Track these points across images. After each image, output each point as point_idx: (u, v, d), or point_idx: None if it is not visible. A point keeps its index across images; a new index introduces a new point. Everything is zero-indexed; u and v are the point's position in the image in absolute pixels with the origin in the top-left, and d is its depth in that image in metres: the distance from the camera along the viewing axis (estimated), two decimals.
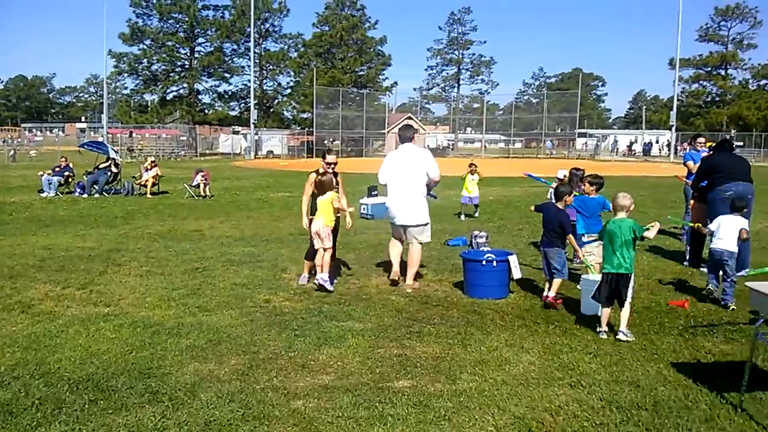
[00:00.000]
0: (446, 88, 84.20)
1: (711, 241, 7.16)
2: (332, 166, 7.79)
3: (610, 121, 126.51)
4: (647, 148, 67.17)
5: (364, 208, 14.06)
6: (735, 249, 6.89)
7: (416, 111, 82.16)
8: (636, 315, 6.40)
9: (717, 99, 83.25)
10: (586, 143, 70.30)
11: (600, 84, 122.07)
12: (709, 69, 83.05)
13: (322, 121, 58.68)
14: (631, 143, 72.27)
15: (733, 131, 68.68)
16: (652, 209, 15.09)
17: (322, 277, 7.32)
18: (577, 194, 7.99)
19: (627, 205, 5.89)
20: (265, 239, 11.03)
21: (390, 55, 70.34)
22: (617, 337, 5.67)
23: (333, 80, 62.85)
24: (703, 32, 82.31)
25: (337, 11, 66.97)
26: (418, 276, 7.92)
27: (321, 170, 7.75)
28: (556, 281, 6.80)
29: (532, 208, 7.56)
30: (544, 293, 6.89)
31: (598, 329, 5.85)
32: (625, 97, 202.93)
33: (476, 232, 10.06)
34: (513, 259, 7.26)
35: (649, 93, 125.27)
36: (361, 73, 68.45)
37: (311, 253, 7.67)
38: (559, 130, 71.31)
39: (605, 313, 5.86)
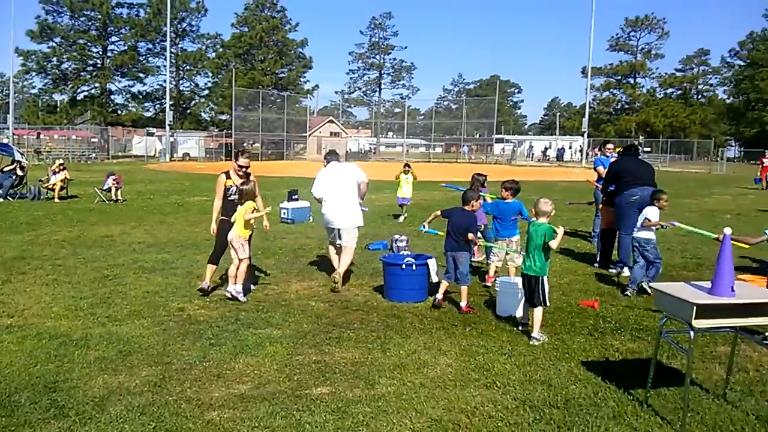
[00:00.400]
0: (368, 92, 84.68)
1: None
2: (245, 168, 7.58)
3: (526, 127, 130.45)
4: (560, 154, 69.52)
5: (284, 213, 13.90)
6: (651, 236, 7.64)
7: (338, 114, 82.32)
8: (549, 315, 6.59)
9: (626, 106, 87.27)
10: (503, 149, 72.09)
11: (516, 91, 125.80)
12: (620, 77, 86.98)
13: (242, 123, 57.70)
14: (546, 149, 74.64)
15: (641, 137, 72.14)
16: (564, 213, 15.61)
17: (235, 288, 7.09)
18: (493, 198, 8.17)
19: (548, 211, 6.04)
20: (179, 245, 10.72)
21: (311, 57, 70.02)
22: (530, 341, 5.79)
23: (253, 82, 61.95)
24: (614, 42, 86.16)
25: (256, 12, 66.05)
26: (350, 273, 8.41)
27: (231, 171, 7.56)
28: (464, 289, 6.83)
29: (438, 213, 7.35)
30: (437, 297, 6.90)
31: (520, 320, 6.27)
32: (540, 104, 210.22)
33: (397, 236, 10.12)
34: (432, 263, 7.35)
35: (562, 100, 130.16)
36: (282, 75, 67.79)
37: (215, 257, 7.51)
38: (477, 136, 72.88)
39: (526, 309, 6.18)
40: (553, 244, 5.82)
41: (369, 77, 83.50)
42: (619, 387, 4.71)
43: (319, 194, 8.17)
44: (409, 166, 15.23)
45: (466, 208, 7.03)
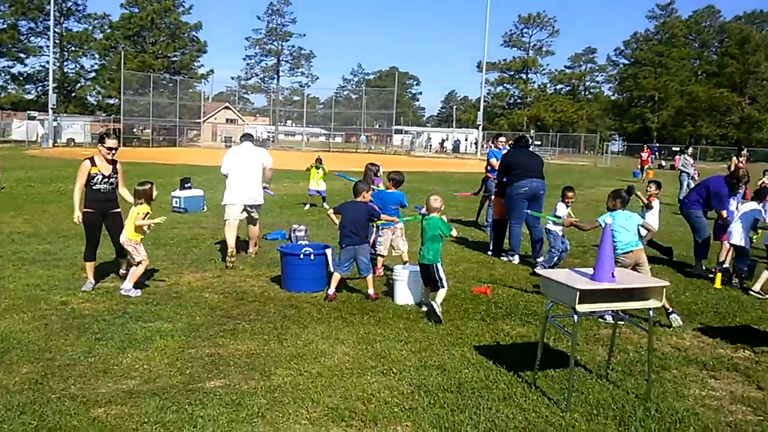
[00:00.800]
0: (266, 79, 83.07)
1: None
2: (113, 151, 7.02)
3: (425, 119, 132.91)
4: (456, 146, 71.29)
5: (176, 201, 13.42)
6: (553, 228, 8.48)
7: (234, 101, 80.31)
8: (444, 302, 6.74)
9: (519, 101, 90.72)
10: (402, 140, 73.00)
11: (415, 83, 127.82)
12: (513, 73, 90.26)
13: (131, 108, 55.22)
14: (443, 140, 76.31)
15: (532, 131, 75.14)
16: (460, 202, 16.00)
17: (125, 287, 6.74)
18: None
19: (438, 207, 6.52)
20: (63, 235, 10.11)
21: (206, 41, 68.12)
22: (433, 305, 6.22)
23: (143, 65, 59.46)
24: (508, 38, 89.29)
25: None
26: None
27: (97, 158, 6.95)
28: (370, 277, 6.91)
29: (330, 211, 7.21)
30: (331, 291, 6.79)
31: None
32: (438, 96, 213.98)
33: (295, 226, 10.02)
34: (330, 253, 7.33)
35: (459, 94, 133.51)
36: (175, 59, 65.49)
37: (91, 253, 6.98)
38: (377, 126, 73.39)
39: (426, 292, 6.56)
40: (454, 232, 6.60)
41: (267, 64, 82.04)
42: (509, 370, 4.88)
43: (225, 170, 8.73)
44: (320, 161, 15.14)
45: (358, 199, 7.03)
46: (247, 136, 9.28)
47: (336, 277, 6.85)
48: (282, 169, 14.02)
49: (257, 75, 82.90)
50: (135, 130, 56.02)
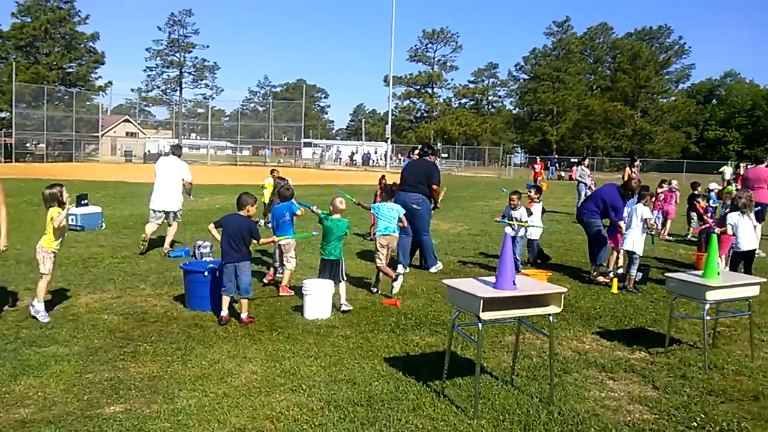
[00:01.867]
0: (168, 90, 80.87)
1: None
2: None
3: (334, 132, 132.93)
4: (367, 158, 71.74)
5: (72, 219, 12.76)
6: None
7: (135, 114, 77.50)
8: (354, 315, 6.76)
9: (425, 115, 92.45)
10: (314, 153, 72.70)
11: (323, 96, 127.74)
12: (419, 87, 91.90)
13: (24, 122, 52.25)
14: (353, 153, 76.63)
15: (439, 144, 76.67)
16: (369, 213, 16.08)
17: (35, 307, 6.36)
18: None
19: (342, 209, 7.20)
20: None
21: (103, 52, 65.51)
22: (341, 309, 6.83)
23: (37, 77, 56.47)
24: (414, 53, 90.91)
25: (41, 1, 60.39)
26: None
27: None
28: (245, 301, 6.54)
29: (211, 226, 6.88)
30: (224, 313, 6.46)
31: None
32: (346, 109, 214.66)
33: (200, 242, 9.73)
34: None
35: (367, 107, 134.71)
36: (70, 70, 62.64)
37: None
38: (285, 139, 72.76)
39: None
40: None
41: (169, 75, 79.96)
42: (418, 380, 4.93)
43: (156, 177, 10.26)
44: (276, 171, 14.66)
45: (241, 212, 6.69)
46: (176, 148, 10.76)
47: (225, 299, 6.51)
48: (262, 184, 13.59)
49: (159, 87, 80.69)
50: (28, 144, 53.06)
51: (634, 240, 8.48)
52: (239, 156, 69.01)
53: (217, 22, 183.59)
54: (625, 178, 15.02)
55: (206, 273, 6.87)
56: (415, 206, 9.00)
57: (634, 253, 8.46)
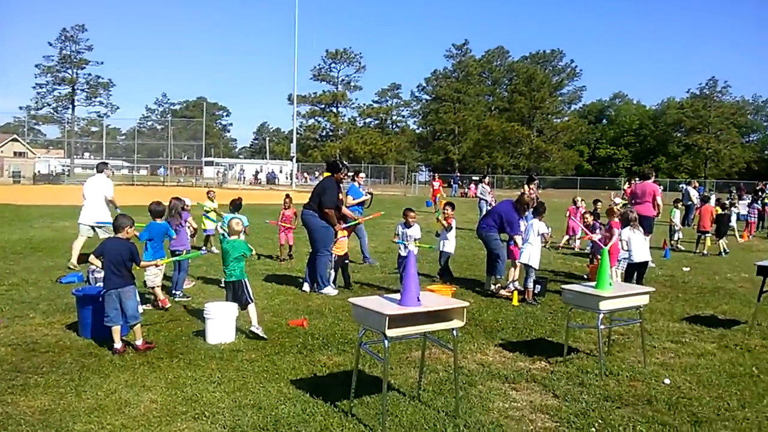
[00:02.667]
0: (59, 108, 76.73)
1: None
2: None
3: (237, 150, 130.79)
4: (271, 177, 70.94)
5: None
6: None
7: (23, 132, 73.36)
8: (259, 340, 6.61)
9: (331, 134, 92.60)
10: (218, 171, 71.11)
11: (225, 114, 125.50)
12: (323, 106, 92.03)
13: None
14: (257, 172, 75.61)
15: (345, 163, 76.75)
16: (276, 234, 15.87)
17: None
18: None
19: (239, 230, 7.16)
20: None
21: None
22: (252, 330, 6.64)
23: None
24: (317, 72, 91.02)
25: None
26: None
27: None
28: (138, 327, 6.21)
29: (92, 257, 6.49)
30: (117, 345, 6.04)
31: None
32: (250, 128, 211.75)
33: (93, 267, 9.20)
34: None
35: (272, 125, 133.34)
36: None
37: None
38: (185, 158, 70.89)
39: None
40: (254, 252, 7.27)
41: (60, 93, 75.84)
42: (326, 401, 4.87)
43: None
44: (214, 192, 14.01)
45: (120, 235, 6.42)
46: (100, 165, 11.44)
47: (115, 331, 6.13)
48: (78, 205, 12.76)
49: (49, 105, 76.25)
50: None
51: (531, 254, 8.79)
52: (136, 176, 66.52)
53: (112, 38, 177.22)
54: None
55: (100, 299, 6.52)
56: (306, 224, 9.20)
57: (530, 266, 8.77)
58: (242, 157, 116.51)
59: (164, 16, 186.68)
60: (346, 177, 9.59)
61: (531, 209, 9.57)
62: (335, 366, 5.81)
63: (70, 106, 76.32)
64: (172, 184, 58.81)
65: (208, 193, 13.86)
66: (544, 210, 9.25)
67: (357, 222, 9.48)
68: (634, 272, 9.11)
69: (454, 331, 4.60)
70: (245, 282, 6.94)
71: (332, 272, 9.28)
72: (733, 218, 18.17)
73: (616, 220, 9.72)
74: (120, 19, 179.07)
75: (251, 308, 6.81)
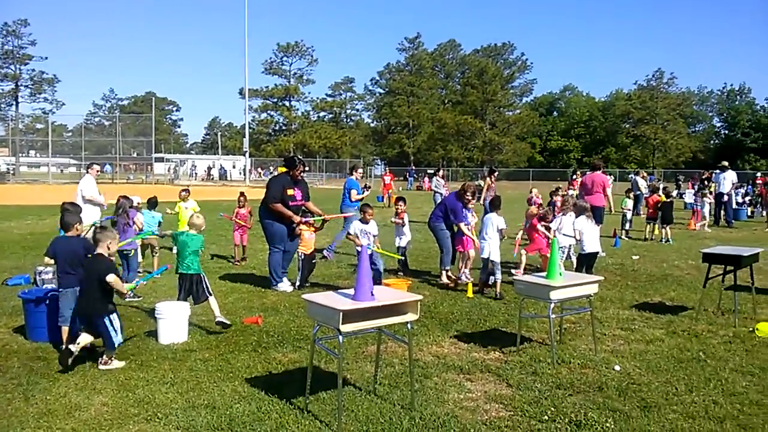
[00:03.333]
0: (2, 105, 74.20)
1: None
2: None
3: (188, 146, 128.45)
4: (223, 173, 70.00)
5: None
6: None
7: None
8: (213, 336, 6.54)
9: (284, 128, 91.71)
10: (169, 168, 69.72)
11: (175, 109, 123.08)
12: (276, 100, 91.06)
13: None
14: (209, 168, 74.51)
15: (300, 157, 76.24)
16: (229, 231, 15.67)
17: None
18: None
19: (199, 224, 7.17)
20: None
21: None
22: (218, 321, 6.73)
23: None
24: (269, 66, 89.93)
25: None
26: None
27: None
28: (86, 338, 5.69)
29: (46, 259, 6.38)
30: (72, 347, 5.54)
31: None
32: (201, 123, 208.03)
33: (41, 268, 8.99)
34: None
35: (223, 120, 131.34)
36: None
37: None
38: (135, 155, 69.34)
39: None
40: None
41: (2, 89, 73.37)
42: (281, 398, 4.84)
43: None
44: (187, 192, 13.50)
45: (70, 234, 6.31)
46: (87, 167, 12.15)
47: (65, 330, 6.00)
48: (24, 205, 12.43)
49: None
50: None
51: (491, 249, 8.84)
52: (84, 173, 64.70)
53: (56, 32, 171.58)
54: (485, 188, 15.94)
55: (48, 301, 6.36)
56: (260, 221, 9.22)
57: (493, 260, 8.81)
58: (194, 152, 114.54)
59: (110, 9, 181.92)
60: (302, 174, 9.33)
61: (476, 199, 9.68)
62: (290, 363, 5.78)
63: (14, 102, 73.89)
64: (121, 182, 57.53)
65: (180, 192, 13.41)
66: (500, 203, 9.33)
67: (323, 218, 9.22)
68: (585, 262, 9.30)
69: (409, 325, 4.62)
70: (203, 275, 6.98)
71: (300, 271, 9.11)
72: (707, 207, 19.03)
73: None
74: (64, 12, 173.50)
75: (212, 300, 6.89)
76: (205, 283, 6.94)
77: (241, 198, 12.37)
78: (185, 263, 6.95)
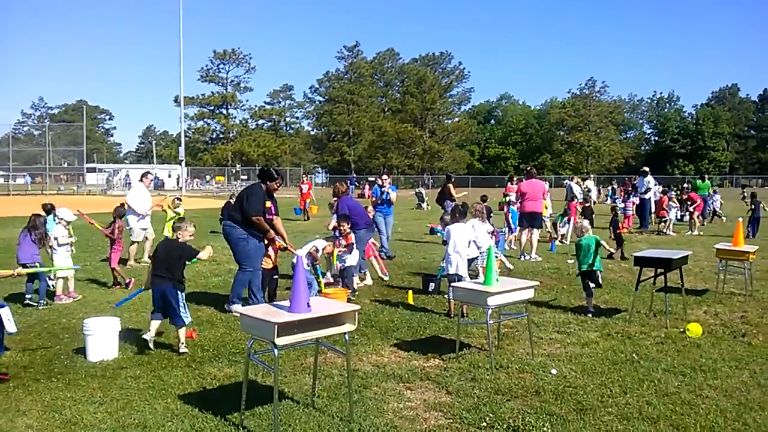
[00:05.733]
0: None
1: None
2: None
3: (122, 155, 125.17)
4: (158, 183, 68.30)
5: None
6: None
7: None
8: (144, 352, 6.32)
9: (222, 136, 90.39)
10: (108, 177, 67.52)
11: (108, 117, 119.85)
12: (213, 108, 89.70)
13: None
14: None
15: (238, 166, 75.31)
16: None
17: None
18: None
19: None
20: None
21: None
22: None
23: None
24: (205, 73, 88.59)
25: None
26: None
27: None
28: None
29: None
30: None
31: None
32: (135, 131, 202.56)
33: None
34: (5, 312, 6.35)
35: (158, 128, 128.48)
36: None
37: None
38: (66, 164, 67.05)
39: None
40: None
41: None
42: (216, 414, 4.70)
43: None
44: (180, 200, 13.30)
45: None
46: (142, 176, 12.75)
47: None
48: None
49: None
50: None
51: (460, 263, 7.96)
52: (12, 185, 62.12)
53: None
54: (450, 194, 16.00)
55: None
56: (227, 238, 8.25)
57: (461, 275, 7.89)
58: (128, 161, 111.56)
59: (38, 13, 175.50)
60: (278, 188, 8.48)
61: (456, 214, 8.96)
62: (226, 378, 5.63)
63: None
64: (51, 192, 55.40)
65: (173, 201, 13.46)
66: (466, 213, 8.76)
67: (288, 248, 8.36)
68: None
69: (346, 335, 4.56)
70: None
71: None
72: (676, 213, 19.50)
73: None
74: None
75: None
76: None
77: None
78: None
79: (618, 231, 13.88)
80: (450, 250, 7.96)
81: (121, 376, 5.64)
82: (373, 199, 13.27)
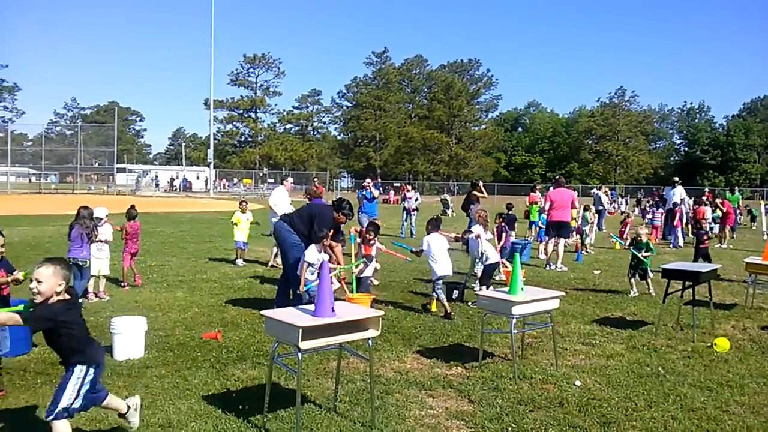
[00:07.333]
0: None
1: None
2: None
3: (151, 156, 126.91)
4: (185, 184, 69.16)
5: None
6: None
7: None
8: (170, 352, 6.39)
9: (250, 139, 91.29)
10: (132, 179, 68.57)
11: (138, 119, 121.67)
12: (242, 111, 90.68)
13: None
14: (173, 179, 73.60)
15: (265, 169, 75.89)
16: (191, 244, 15.46)
17: None
18: None
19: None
20: None
21: None
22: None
23: None
24: (235, 77, 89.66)
25: None
26: None
27: None
28: None
29: None
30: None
31: None
32: (165, 133, 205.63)
33: None
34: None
35: (188, 131, 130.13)
36: None
37: None
38: (96, 165, 68.18)
39: None
40: None
41: None
42: (239, 416, 4.73)
43: None
44: (245, 203, 13.49)
45: None
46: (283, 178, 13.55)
47: None
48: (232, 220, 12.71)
49: None
50: None
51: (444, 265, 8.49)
52: (43, 183, 63.34)
53: (17, 39, 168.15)
54: (480, 192, 16.15)
55: None
56: (278, 237, 8.46)
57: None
58: (157, 163, 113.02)
59: (74, 17, 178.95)
60: (344, 223, 8.54)
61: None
62: (249, 380, 5.66)
63: None
64: (82, 192, 56.44)
65: (241, 203, 13.70)
66: (439, 226, 8.97)
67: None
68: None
69: (369, 341, 4.56)
70: None
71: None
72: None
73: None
74: (26, 19, 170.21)
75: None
76: None
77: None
78: None
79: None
80: (430, 258, 8.55)
81: (147, 375, 5.71)
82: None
